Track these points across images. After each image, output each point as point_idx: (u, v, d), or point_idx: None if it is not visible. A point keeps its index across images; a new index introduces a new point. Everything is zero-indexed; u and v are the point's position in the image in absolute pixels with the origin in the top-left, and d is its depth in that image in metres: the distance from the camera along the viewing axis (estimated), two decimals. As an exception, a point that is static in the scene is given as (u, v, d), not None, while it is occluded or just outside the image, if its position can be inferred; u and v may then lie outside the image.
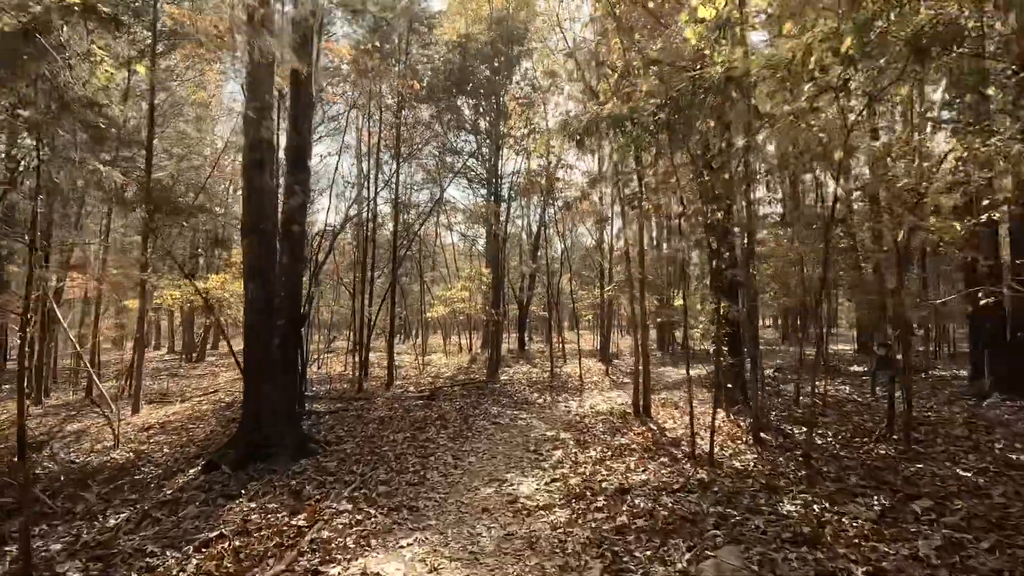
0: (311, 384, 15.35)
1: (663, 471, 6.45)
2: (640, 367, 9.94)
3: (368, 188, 17.38)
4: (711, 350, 10.12)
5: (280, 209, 7.72)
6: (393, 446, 8.19)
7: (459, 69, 16.51)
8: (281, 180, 8.37)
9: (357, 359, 15.81)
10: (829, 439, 7.54)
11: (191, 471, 7.09)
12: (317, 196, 25.36)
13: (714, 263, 9.51)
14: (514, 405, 11.73)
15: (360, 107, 15.21)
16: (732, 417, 9.20)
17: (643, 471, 6.48)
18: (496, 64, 17.94)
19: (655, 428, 8.86)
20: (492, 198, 18.59)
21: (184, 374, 20.36)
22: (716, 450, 7.13)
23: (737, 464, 6.54)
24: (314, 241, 17.60)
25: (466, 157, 20.33)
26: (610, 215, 20.58)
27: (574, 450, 7.73)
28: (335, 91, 13.54)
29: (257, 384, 7.36)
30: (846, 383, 12.59)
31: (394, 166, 16.73)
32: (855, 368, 15.01)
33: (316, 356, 21.71)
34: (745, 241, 8.65)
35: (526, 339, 27.71)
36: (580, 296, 26.77)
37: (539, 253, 25.65)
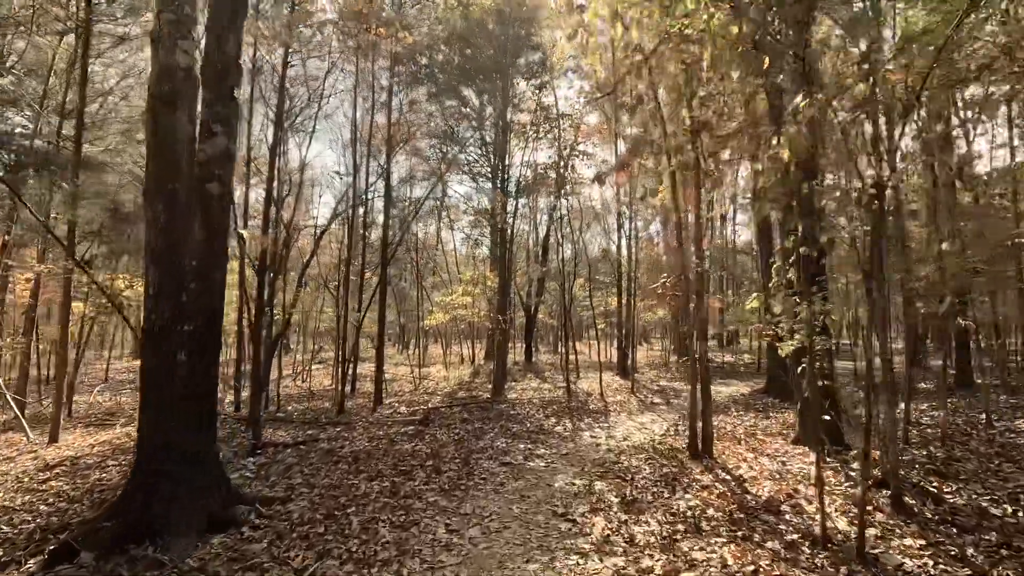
0: (279, 404, 12.82)
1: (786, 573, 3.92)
2: (698, 389, 7.42)
3: (359, 177, 14.98)
4: (790, 363, 7.68)
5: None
6: (362, 506, 5.67)
7: (459, 37, 14.16)
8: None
9: (341, 373, 13.32)
10: (1004, 504, 5.01)
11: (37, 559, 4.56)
12: (311, 192, 23.02)
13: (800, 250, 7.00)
14: (527, 435, 9.21)
15: (346, 70, 12.85)
16: (827, 462, 6.67)
17: (751, 569, 3.96)
18: (503, 37, 15.58)
19: (727, 477, 6.33)
20: (499, 187, 16.19)
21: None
22: (846, 525, 4.61)
23: (905, 562, 3.99)
24: (293, 238, 15.22)
25: (468, 144, 17.96)
26: (631, 205, 18.19)
27: (621, 516, 5.20)
28: (315, 50, 11.19)
29: (155, 416, 4.88)
30: (926, 404, 10.05)
31: (388, 154, 14.32)
32: (920, 384, 12.46)
33: (302, 368, 19.21)
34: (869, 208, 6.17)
35: (533, 349, 25.17)
36: (594, 303, 24.25)
37: (548, 256, 23.18)
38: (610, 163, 20.98)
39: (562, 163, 17.37)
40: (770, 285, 5.93)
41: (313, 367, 20.87)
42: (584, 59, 18.10)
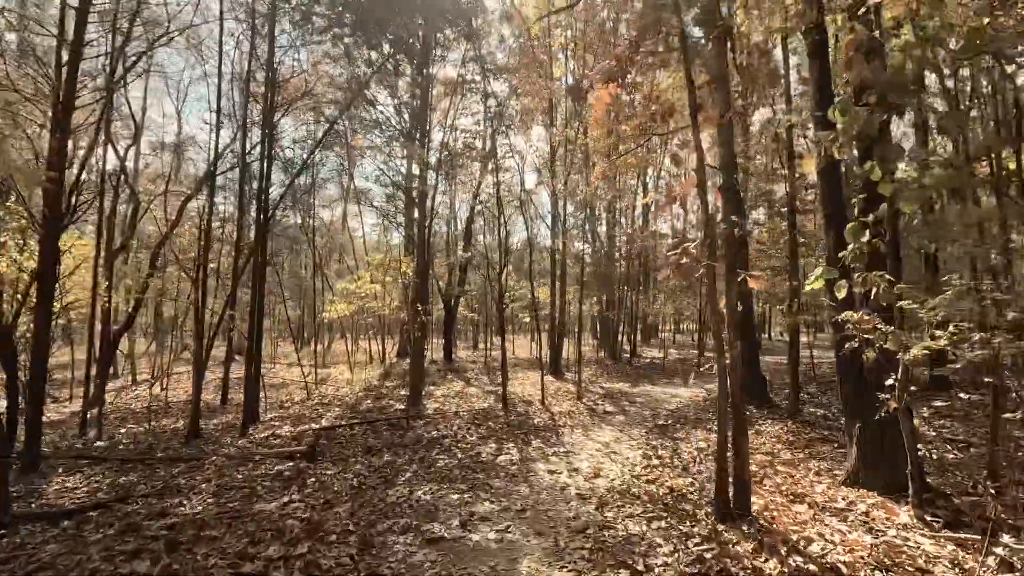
0: (100, 427, 8.99)
1: None
2: (729, 414, 4.87)
3: (239, 137, 11.31)
4: (842, 370, 5.53)
5: None
6: None
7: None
8: None
9: (197, 380, 9.67)
10: None
11: None
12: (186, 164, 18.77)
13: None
14: (460, 474, 6.31)
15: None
16: (909, 507, 4.40)
17: None
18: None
19: (807, 567, 3.81)
20: (417, 140, 13.03)
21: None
22: None
23: None
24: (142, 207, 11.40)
25: (380, 105, 14.60)
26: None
27: None
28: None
29: None
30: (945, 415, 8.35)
31: (270, 97, 10.75)
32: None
33: (162, 373, 14.98)
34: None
35: (453, 347, 22.23)
36: (519, 294, 21.70)
37: (472, 241, 20.30)
38: (544, 153, 18.50)
39: (490, 128, 14.59)
40: (843, 254, 3.55)
41: (178, 371, 16.64)
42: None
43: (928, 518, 4.31)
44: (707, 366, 17.41)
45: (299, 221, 18.70)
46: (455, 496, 5.49)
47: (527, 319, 24.15)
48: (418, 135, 14.16)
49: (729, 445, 4.81)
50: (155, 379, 13.82)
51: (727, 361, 4.75)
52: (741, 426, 4.83)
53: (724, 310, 4.95)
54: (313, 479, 6.16)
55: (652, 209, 23.12)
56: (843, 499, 4.93)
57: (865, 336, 4.23)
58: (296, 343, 18.17)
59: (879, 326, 4.08)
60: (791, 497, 5.13)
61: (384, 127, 14.92)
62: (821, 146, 3.49)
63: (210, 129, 14.49)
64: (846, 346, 4.84)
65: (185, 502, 5.47)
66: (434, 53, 14.33)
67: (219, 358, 16.58)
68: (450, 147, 15.21)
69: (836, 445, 7.04)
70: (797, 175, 10.58)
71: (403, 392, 12.21)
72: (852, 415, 5.46)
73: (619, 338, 21.78)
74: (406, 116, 14.76)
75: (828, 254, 5.92)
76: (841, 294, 3.56)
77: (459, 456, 7.09)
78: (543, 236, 27.67)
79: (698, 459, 6.68)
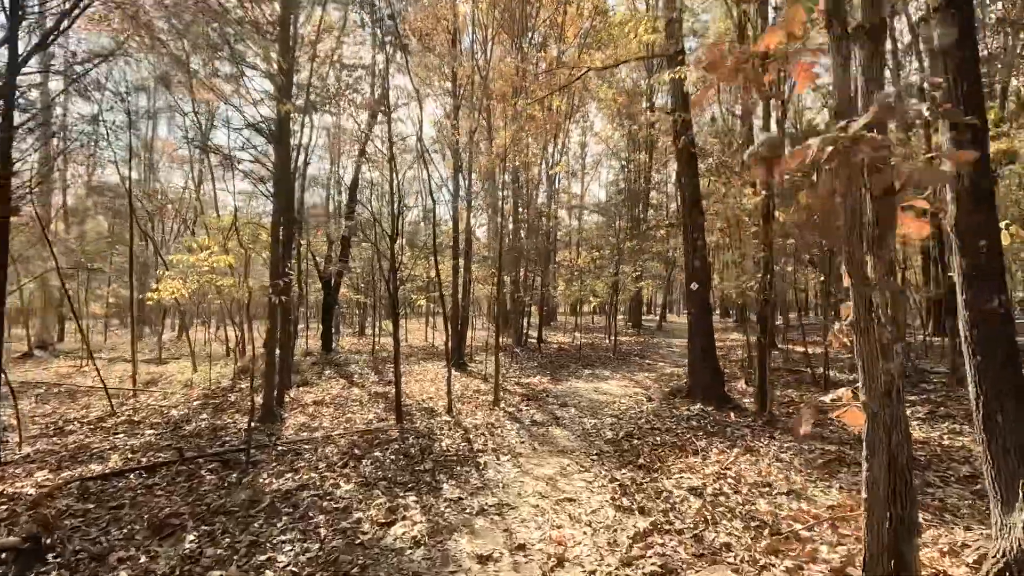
0: None
1: None
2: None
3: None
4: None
5: None
6: None
7: None
8: None
9: None
10: None
11: None
12: None
13: None
14: (319, 582, 3.42)
15: None
16: None
17: None
18: None
19: None
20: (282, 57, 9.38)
21: None
22: None
23: None
24: None
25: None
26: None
27: None
28: None
29: None
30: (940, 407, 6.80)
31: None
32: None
33: None
34: None
35: (333, 334, 18.57)
36: (414, 273, 18.52)
37: (356, 207, 16.75)
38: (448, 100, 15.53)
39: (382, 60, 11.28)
40: None
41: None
42: None
43: None
44: (643, 353, 15.64)
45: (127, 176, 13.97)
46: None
47: (421, 302, 21.04)
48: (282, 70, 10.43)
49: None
50: None
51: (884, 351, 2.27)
52: (909, 499, 2.39)
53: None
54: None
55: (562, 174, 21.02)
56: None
57: None
58: (134, 332, 13.61)
59: None
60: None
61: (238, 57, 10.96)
62: None
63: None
64: None
65: None
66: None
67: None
68: (325, 80, 11.63)
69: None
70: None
71: (258, 401, 8.77)
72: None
73: (523, 322, 19.47)
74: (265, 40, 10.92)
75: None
76: None
77: (322, 533, 4.10)
78: (443, 212, 24.61)
79: (714, 519, 4.30)
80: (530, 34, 16.30)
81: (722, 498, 4.56)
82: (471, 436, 6.86)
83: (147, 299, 11.38)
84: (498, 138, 15.41)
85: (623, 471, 5.41)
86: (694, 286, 8.28)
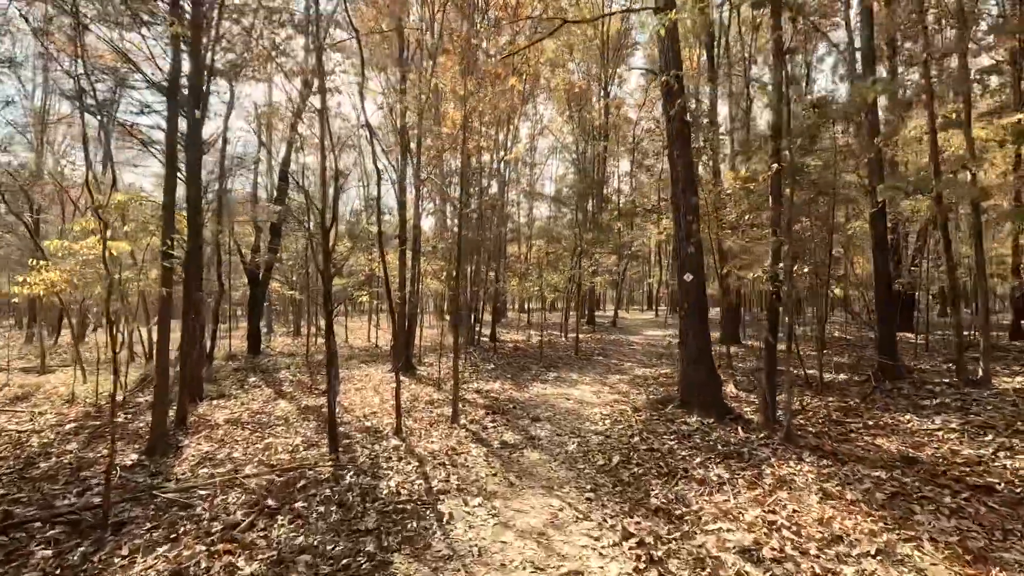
0: None
1: None
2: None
3: None
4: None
5: None
6: None
7: None
8: None
9: None
10: None
11: None
12: None
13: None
14: None
15: None
16: None
17: None
18: None
19: None
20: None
21: None
22: None
23: None
24: None
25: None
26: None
27: None
28: None
29: None
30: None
31: None
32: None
33: None
34: None
35: (263, 333, 16.37)
36: (356, 267, 16.61)
37: (289, 191, 14.65)
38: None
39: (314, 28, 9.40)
40: None
41: None
42: None
43: None
44: (618, 351, 14.40)
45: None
46: None
47: (364, 298, 19.04)
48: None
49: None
50: None
51: None
52: None
53: None
54: None
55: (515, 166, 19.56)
56: None
57: None
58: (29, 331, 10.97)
59: None
60: None
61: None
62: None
63: None
64: None
65: None
66: None
67: None
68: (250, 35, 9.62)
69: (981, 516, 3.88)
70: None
71: (148, 420, 6.82)
72: None
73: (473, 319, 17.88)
74: None
75: None
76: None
77: None
78: (388, 200, 22.70)
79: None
80: (481, 16, 14.74)
81: (790, 566, 3.25)
82: (428, 468, 5.29)
83: (11, 293, 9.02)
84: (448, 119, 13.81)
85: (635, 518, 4.03)
86: (688, 276, 7.04)
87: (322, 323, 18.34)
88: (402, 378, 11.18)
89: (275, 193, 14.90)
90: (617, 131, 26.14)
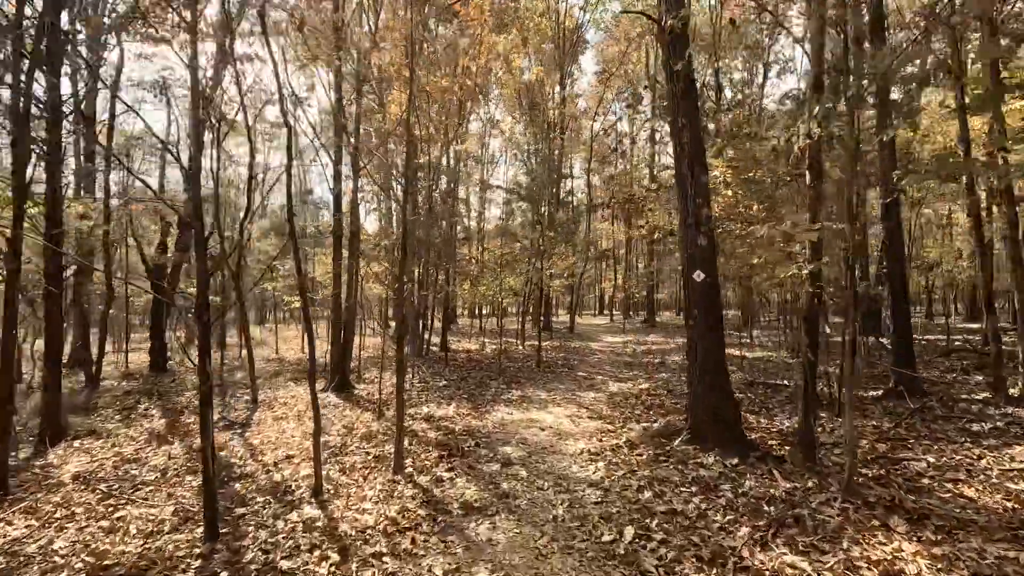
0: None
1: None
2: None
3: None
4: None
5: None
6: None
7: None
8: None
9: None
10: None
11: None
12: None
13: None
14: None
15: None
16: None
17: None
18: None
19: None
20: None
21: None
22: None
23: None
24: None
25: None
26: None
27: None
28: None
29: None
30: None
31: None
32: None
33: None
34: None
35: (170, 349, 13.83)
36: (286, 268, 14.39)
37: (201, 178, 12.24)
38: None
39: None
40: None
41: None
42: None
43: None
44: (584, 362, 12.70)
45: None
46: None
47: (296, 303, 16.71)
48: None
49: None
50: None
51: None
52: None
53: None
54: None
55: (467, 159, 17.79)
56: None
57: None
58: None
59: None
60: None
61: None
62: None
63: None
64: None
65: None
66: None
67: None
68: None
69: None
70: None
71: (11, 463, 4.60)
72: None
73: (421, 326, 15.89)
74: None
75: None
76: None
77: None
78: (322, 191, 20.39)
79: None
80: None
81: None
82: (353, 567, 3.45)
83: None
84: (393, 102, 11.94)
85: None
86: (698, 275, 5.50)
87: (258, 332, 15.74)
88: (336, 400, 9.19)
89: (184, 182, 12.48)
90: (572, 129, 24.88)
